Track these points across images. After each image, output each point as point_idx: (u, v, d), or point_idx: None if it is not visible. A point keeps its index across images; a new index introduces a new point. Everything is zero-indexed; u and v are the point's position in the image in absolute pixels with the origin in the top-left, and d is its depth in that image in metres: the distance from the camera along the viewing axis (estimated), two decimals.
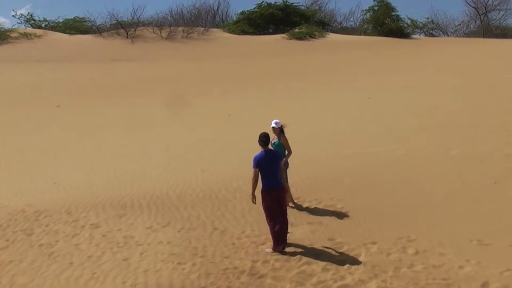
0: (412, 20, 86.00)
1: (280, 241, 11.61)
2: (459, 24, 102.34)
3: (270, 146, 12.25)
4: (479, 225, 12.43)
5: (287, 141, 14.12)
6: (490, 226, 12.35)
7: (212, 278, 10.20)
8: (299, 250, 11.49)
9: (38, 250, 12.23)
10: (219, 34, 78.53)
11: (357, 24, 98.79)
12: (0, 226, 14.07)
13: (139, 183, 17.82)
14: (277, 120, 14.07)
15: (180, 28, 76.89)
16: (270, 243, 11.76)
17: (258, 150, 11.92)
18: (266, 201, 11.73)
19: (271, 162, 11.69)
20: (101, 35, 73.95)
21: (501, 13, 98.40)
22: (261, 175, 11.64)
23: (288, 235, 12.18)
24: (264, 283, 10.01)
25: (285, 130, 14.34)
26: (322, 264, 10.73)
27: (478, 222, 12.65)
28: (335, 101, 34.32)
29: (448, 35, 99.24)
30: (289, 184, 14.25)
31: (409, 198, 14.70)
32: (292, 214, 13.63)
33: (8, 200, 16.60)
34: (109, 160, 22.46)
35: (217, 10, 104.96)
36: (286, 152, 14.15)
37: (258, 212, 13.20)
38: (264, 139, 11.79)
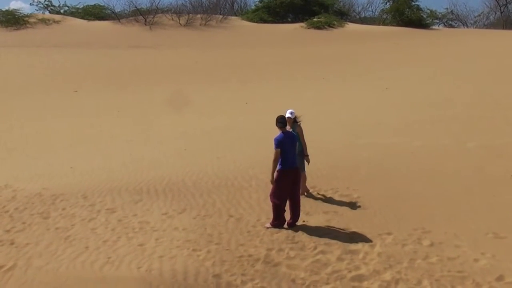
0: (431, 11, 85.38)
1: (282, 219, 12.17)
2: (479, 15, 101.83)
3: None
4: (495, 218, 12.34)
5: (302, 132, 14.10)
6: (506, 219, 12.26)
7: (227, 266, 10.20)
8: (314, 239, 11.45)
9: (54, 234, 12.28)
10: (237, 22, 78.41)
11: (376, 14, 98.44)
12: (17, 209, 14.14)
13: (155, 169, 17.85)
14: (292, 110, 14.02)
15: (198, 16, 76.84)
16: (286, 231, 11.83)
17: (273, 137, 12.11)
18: (281, 180, 12.08)
19: (290, 144, 12.17)
20: (119, 21, 74.11)
21: None
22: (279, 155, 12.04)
23: (302, 223, 12.26)
24: (278, 272, 9.99)
25: (302, 119, 14.31)
26: (337, 253, 10.69)
27: (494, 215, 12.56)
28: (353, 91, 34.25)
29: (467, 26, 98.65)
30: (305, 173, 14.29)
31: (425, 189, 14.63)
32: (307, 203, 13.63)
33: (25, 184, 16.67)
34: (126, 145, 22.52)
35: None
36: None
37: None
38: (282, 120, 12.31)
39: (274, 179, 12.22)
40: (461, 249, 10.71)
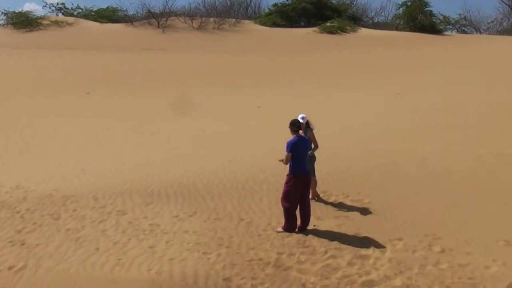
0: (444, 16, 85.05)
1: (294, 223, 12.15)
2: (492, 21, 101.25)
3: None
4: (506, 226, 12.28)
5: (313, 135, 14.12)
6: None
7: (237, 269, 10.18)
8: (324, 243, 11.42)
9: (65, 235, 12.30)
10: (250, 26, 78.42)
11: (389, 19, 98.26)
12: (28, 209, 14.18)
13: (166, 172, 17.87)
14: (304, 115, 14.00)
15: (211, 19, 76.87)
16: (296, 235, 11.83)
17: (285, 142, 12.14)
18: (292, 185, 12.10)
19: (302, 148, 12.20)
20: (132, 24, 74.26)
21: None
22: (291, 159, 12.04)
23: (313, 228, 12.26)
24: (289, 276, 9.98)
25: (314, 124, 14.31)
26: (347, 258, 10.67)
27: (505, 222, 12.51)
28: (365, 96, 34.21)
29: (480, 33, 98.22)
30: (316, 178, 14.28)
31: (436, 196, 14.58)
32: (318, 208, 13.62)
33: (36, 184, 16.72)
34: (137, 148, 22.56)
35: (250, 2, 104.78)
36: (313, 146, 14.16)
37: None
38: (297, 124, 12.36)
39: (285, 183, 12.26)
40: (472, 256, 10.66)
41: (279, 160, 12.48)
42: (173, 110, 30.10)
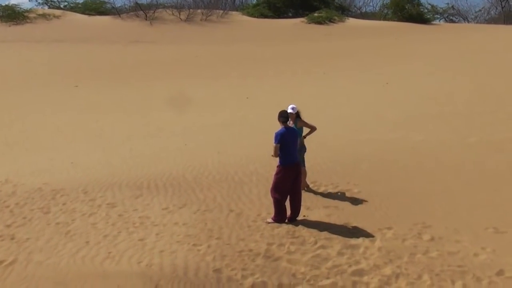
0: (432, 6, 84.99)
1: (283, 214, 12.17)
2: (480, 10, 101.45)
3: None
4: (495, 213, 12.34)
5: (305, 122, 14.10)
6: (507, 214, 12.26)
7: (227, 260, 10.20)
8: (314, 233, 11.45)
9: (55, 228, 12.29)
10: (238, 17, 78.23)
11: (377, 9, 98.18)
12: (18, 204, 14.16)
13: (156, 164, 17.87)
14: (294, 106, 14.00)
15: (199, 11, 76.61)
16: (286, 226, 11.86)
17: (273, 132, 12.10)
18: (282, 176, 12.09)
19: (291, 139, 12.12)
20: (120, 16, 73.96)
21: None
22: (280, 151, 11.99)
23: (303, 218, 12.28)
24: (279, 266, 10.00)
25: (302, 114, 14.30)
26: (337, 248, 10.70)
27: (494, 210, 12.56)
28: (353, 86, 34.24)
29: (468, 22, 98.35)
30: (306, 168, 14.28)
31: (425, 184, 14.63)
32: (308, 198, 13.64)
33: (25, 178, 16.69)
34: (126, 141, 22.53)
35: None
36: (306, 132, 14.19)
37: None
38: (285, 114, 12.25)
39: (275, 174, 12.25)
40: (461, 244, 10.71)
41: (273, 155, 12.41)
42: (165, 101, 30.03)
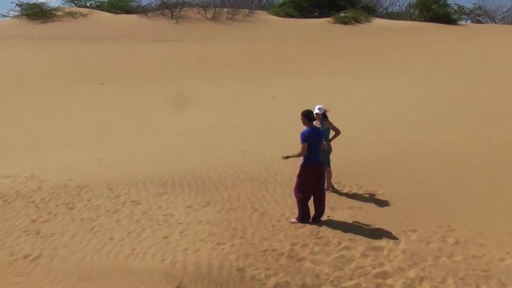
0: (459, 6, 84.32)
1: (307, 214, 12.13)
2: (507, 11, 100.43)
3: None
4: None
5: (332, 124, 14.03)
6: None
7: (251, 260, 10.19)
8: (338, 234, 11.40)
9: (80, 224, 12.37)
10: (263, 16, 78.15)
11: (403, 9, 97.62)
12: (43, 199, 14.26)
13: (180, 162, 17.90)
14: (320, 106, 13.94)
15: (225, 10, 76.68)
16: (310, 226, 11.81)
17: (299, 132, 12.02)
18: (305, 175, 12.05)
19: (316, 139, 12.05)
20: (146, 15, 74.22)
21: None
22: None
23: (327, 219, 12.23)
24: (302, 266, 9.96)
25: (328, 114, 14.25)
26: (361, 249, 10.65)
27: None
28: (379, 86, 34.08)
29: (495, 22, 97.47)
30: (330, 169, 14.22)
31: (450, 186, 14.51)
32: (332, 199, 13.58)
33: (51, 174, 16.81)
34: (151, 138, 22.61)
35: None
36: (333, 134, 14.11)
37: None
38: (310, 115, 12.15)
39: (298, 173, 12.20)
40: (486, 248, 10.60)
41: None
42: (188, 100, 30.09)
